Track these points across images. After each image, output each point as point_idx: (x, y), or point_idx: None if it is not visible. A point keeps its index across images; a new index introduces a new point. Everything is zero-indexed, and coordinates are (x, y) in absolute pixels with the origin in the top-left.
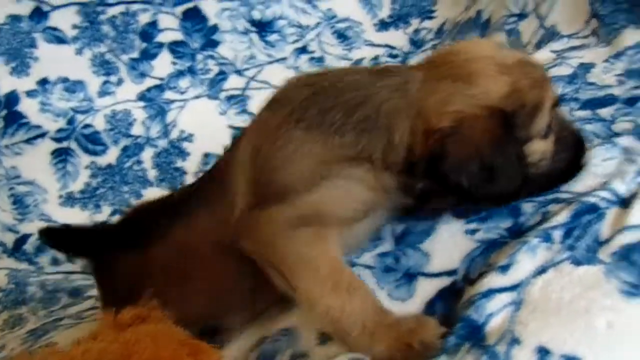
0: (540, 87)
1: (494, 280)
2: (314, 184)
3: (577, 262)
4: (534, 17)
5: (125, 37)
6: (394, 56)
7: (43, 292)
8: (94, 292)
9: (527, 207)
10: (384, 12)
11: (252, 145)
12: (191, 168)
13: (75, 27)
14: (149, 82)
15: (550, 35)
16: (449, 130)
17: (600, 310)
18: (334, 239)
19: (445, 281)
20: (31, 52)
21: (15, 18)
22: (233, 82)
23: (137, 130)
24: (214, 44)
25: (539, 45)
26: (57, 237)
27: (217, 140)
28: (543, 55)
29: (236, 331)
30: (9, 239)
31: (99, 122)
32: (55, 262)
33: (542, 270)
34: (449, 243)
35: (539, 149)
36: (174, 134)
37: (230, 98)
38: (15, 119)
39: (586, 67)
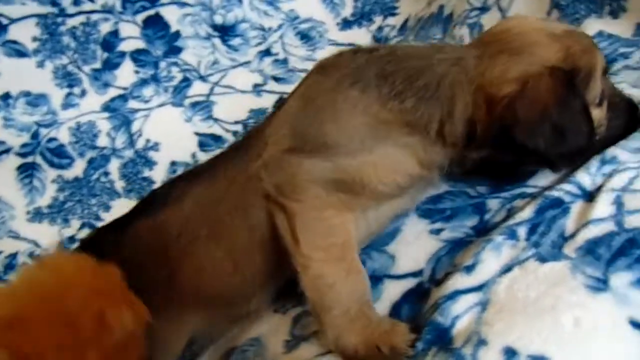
0: (591, 54)
1: (459, 281)
2: (364, 148)
3: (543, 259)
4: (496, 10)
5: (86, 48)
6: None
7: None
8: None
9: (493, 203)
10: (347, 11)
11: (302, 99)
12: (159, 177)
13: (35, 39)
14: (112, 92)
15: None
16: (515, 94)
17: (567, 307)
18: (355, 218)
19: (411, 282)
20: None
21: None
22: (197, 89)
23: (102, 141)
24: (177, 50)
25: None
26: None
27: (183, 148)
28: None
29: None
30: None
31: (63, 135)
32: None
33: (507, 269)
34: (414, 244)
35: (595, 116)
36: (140, 144)
37: (194, 104)
38: None
39: None
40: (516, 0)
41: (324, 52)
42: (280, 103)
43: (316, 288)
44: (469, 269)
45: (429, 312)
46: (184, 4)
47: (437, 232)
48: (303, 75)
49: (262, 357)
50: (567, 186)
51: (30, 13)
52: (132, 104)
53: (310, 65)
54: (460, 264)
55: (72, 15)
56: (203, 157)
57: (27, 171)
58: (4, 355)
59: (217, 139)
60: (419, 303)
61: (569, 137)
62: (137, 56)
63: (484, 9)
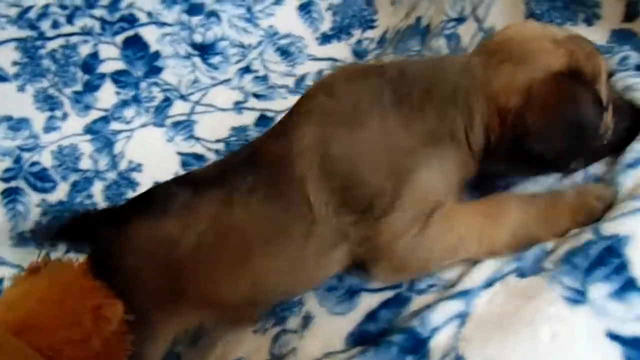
0: (595, 59)
1: (441, 293)
2: (407, 180)
3: (522, 274)
4: (472, 21)
5: (66, 71)
6: None
7: None
8: None
9: None
10: (326, 25)
11: (319, 136)
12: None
13: (15, 63)
14: (94, 114)
15: (489, 37)
16: (523, 104)
17: (545, 320)
18: (452, 203)
19: (388, 294)
20: None
21: None
22: (178, 108)
23: (85, 164)
24: (157, 70)
25: None
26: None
27: (166, 168)
28: None
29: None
30: None
31: (46, 159)
32: None
33: (489, 284)
34: None
35: (603, 120)
36: (123, 165)
37: (176, 124)
38: None
39: None
40: (492, 10)
41: (304, 68)
42: (284, 121)
43: (512, 248)
44: (452, 281)
45: (407, 318)
46: (163, 24)
47: None
48: (283, 91)
49: None
50: None
51: (9, 37)
52: (114, 125)
53: (290, 81)
54: (442, 276)
55: (51, 39)
56: None
57: (10, 196)
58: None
59: (199, 158)
60: (398, 308)
61: (586, 131)
62: (118, 77)
63: (460, 20)
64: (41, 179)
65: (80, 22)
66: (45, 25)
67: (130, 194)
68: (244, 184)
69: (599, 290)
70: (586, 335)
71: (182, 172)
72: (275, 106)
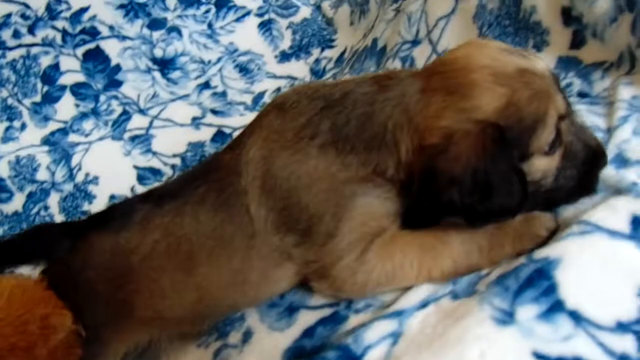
0: (542, 99)
1: (377, 312)
2: (346, 206)
3: (456, 296)
4: (426, 43)
5: (27, 81)
6: None
7: None
8: None
9: None
10: (285, 44)
11: (264, 152)
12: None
13: None
14: (52, 126)
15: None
16: (437, 147)
17: (474, 340)
18: (394, 230)
19: (326, 311)
20: None
21: None
22: (137, 122)
23: (42, 175)
24: (117, 84)
25: None
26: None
27: (122, 182)
28: None
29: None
30: None
31: (3, 169)
32: None
33: (423, 305)
34: None
35: (541, 165)
36: (80, 178)
37: (134, 138)
38: None
39: None
40: (446, 33)
41: (262, 85)
42: (241, 134)
43: (452, 276)
44: (389, 301)
45: (342, 335)
46: (125, 38)
47: None
48: (241, 108)
49: None
50: None
51: None
52: (72, 137)
53: (248, 98)
54: (380, 298)
55: (12, 49)
56: (142, 190)
57: None
58: None
59: (155, 172)
60: (335, 326)
61: (494, 196)
62: (77, 89)
63: (415, 42)
64: None
65: (42, 33)
66: (6, 34)
67: (87, 207)
68: (196, 193)
69: (527, 311)
70: (513, 355)
71: (138, 186)
72: (232, 122)
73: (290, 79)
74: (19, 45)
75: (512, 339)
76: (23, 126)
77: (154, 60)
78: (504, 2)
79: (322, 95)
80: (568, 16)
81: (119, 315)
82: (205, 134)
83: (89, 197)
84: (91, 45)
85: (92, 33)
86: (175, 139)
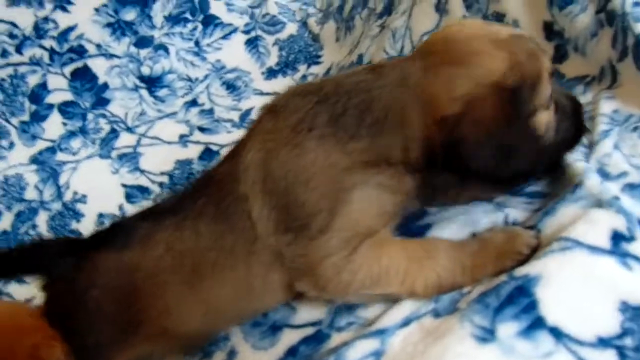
0: (537, 58)
1: (359, 331)
2: (343, 201)
3: (438, 314)
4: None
5: (14, 100)
6: None
7: None
8: None
9: None
10: (272, 60)
11: (262, 154)
12: (86, 229)
13: None
14: (40, 145)
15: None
16: (458, 116)
17: (454, 357)
18: (385, 234)
19: (309, 330)
20: None
21: None
22: (124, 140)
23: (30, 194)
24: (105, 102)
25: None
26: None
27: (110, 200)
28: None
29: None
30: None
31: None
32: None
33: (406, 323)
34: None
35: (544, 119)
36: (68, 196)
37: (122, 156)
38: None
39: None
40: None
41: (250, 102)
42: (237, 144)
43: (436, 291)
44: (372, 320)
45: (325, 354)
46: (112, 56)
47: None
48: (228, 125)
49: None
50: None
51: None
52: (60, 156)
53: (235, 116)
54: (362, 316)
55: None
56: (130, 208)
57: None
58: None
59: (143, 190)
60: (318, 344)
61: (515, 157)
62: (65, 108)
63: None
64: None
65: (29, 52)
66: None
67: (75, 225)
68: (195, 207)
69: (508, 328)
70: None
71: (126, 204)
72: (219, 140)
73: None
74: (7, 65)
75: (493, 356)
76: (11, 145)
77: (141, 78)
78: (487, 17)
79: (313, 91)
80: (550, 31)
81: (124, 333)
82: (192, 152)
83: (78, 215)
84: (79, 64)
85: (80, 52)
86: (162, 156)
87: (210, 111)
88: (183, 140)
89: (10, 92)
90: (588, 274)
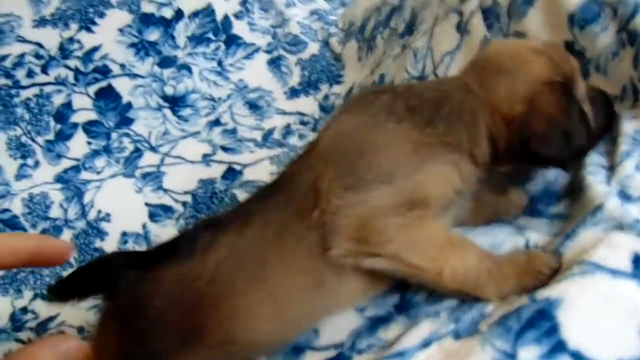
0: (569, 60)
1: (379, 353)
2: (416, 168)
3: (458, 335)
4: (432, 79)
5: (40, 119)
6: (305, 123)
7: None
8: None
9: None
10: (294, 80)
11: (337, 137)
12: (110, 247)
13: None
14: (65, 163)
15: (474, 56)
16: (524, 114)
17: None
18: (434, 212)
19: (331, 352)
20: None
21: None
22: (148, 159)
23: (55, 212)
24: (128, 121)
25: None
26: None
27: (134, 219)
28: None
29: None
30: None
31: (16, 206)
32: None
33: (425, 344)
34: (337, 319)
35: (587, 111)
36: (92, 215)
37: (145, 175)
38: None
39: None
40: (450, 70)
41: (272, 122)
42: (308, 146)
43: (458, 282)
44: (391, 341)
45: None
46: (136, 76)
47: (362, 310)
48: (251, 144)
49: None
50: None
51: None
52: (85, 175)
53: (258, 135)
54: (382, 338)
55: (25, 87)
56: (153, 227)
57: None
58: None
59: (167, 209)
60: None
61: (575, 139)
62: (90, 127)
63: (421, 78)
64: (11, 226)
65: (55, 72)
66: (20, 74)
67: (99, 244)
68: (260, 204)
69: (529, 352)
70: None
71: (149, 223)
72: (242, 159)
73: (300, 115)
74: (33, 84)
75: None
76: (36, 164)
77: (165, 97)
78: (508, 36)
79: (387, 89)
80: (571, 50)
81: (187, 341)
82: (215, 171)
83: (101, 234)
84: (103, 84)
85: (104, 71)
86: (186, 176)
87: (233, 131)
88: (206, 159)
89: (36, 111)
90: (609, 297)
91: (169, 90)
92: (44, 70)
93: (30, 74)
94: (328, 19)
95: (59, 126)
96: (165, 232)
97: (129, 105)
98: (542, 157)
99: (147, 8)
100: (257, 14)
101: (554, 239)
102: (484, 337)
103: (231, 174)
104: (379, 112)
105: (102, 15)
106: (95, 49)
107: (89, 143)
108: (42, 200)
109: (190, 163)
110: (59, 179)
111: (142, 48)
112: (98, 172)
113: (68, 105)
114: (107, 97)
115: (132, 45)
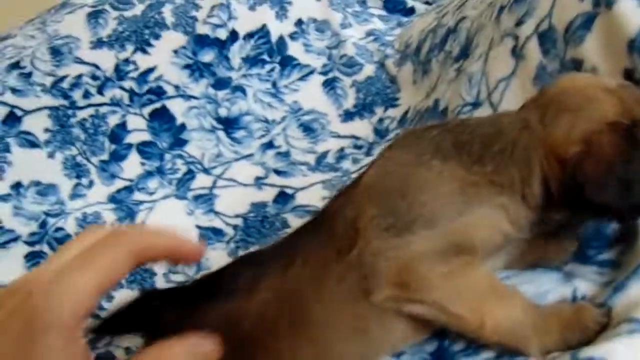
0: None
1: None
2: (461, 211)
3: None
4: (487, 106)
5: (95, 140)
6: (359, 147)
7: None
8: None
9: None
10: (349, 102)
11: (380, 175)
12: (160, 269)
13: (47, 130)
14: (118, 184)
15: (540, 91)
16: (582, 154)
17: None
18: (479, 259)
19: None
20: (5, 156)
21: None
22: (200, 181)
23: None
24: (182, 143)
25: None
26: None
27: None
28: None
29: None
30: None
31: (70, 225)
32: None
33: None
34: None
35: None
36: None
37: (197, 197)
38: None
39: None
40: (506, 95)
41: (326, 145)
42: (347, 185)
43: (503, 334)
44: None
45: None
46: (190, 97)
47: (398, 356)
48: (304, 168)
49: None
50: None
51: (43, 105)
52: (137, 195)
53: (311, 158)
54: None
55: (82, 108)
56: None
57: (34, 259)
58: None
59: (217, 232)
60: None
61: (635, 189)
62: (143, 148)
63: (476, 104)
64: None
65: (110, 93)
66: (77, 95)
67: (149, 264)
68: (301, 244)
69: None
70: None
71: None
72: (295, 183)
73: (354, 139)
74: (89, 105)
75: None
76: (90, 183)
77: (219, 119)
78: (564, 63)
79: (437, 125)
80: (630, 78)
81: None
82: (267, 195)
83: None
84: (157, 105)
85: (158, 92)
86: (237, 199)
87: (287, 154)
88: (258, 182)
89: (92, 131)
90: None
91: (222, 112)
92: (100, 91)
93: (86, 94)
94: (384, 40)
95: (113, 146)
96: (215, 255)
97: (182, 127)
98: (595, 204)
99: (202, 29)
100: (312, 34)
101: (603, 289)
102: None
103: (283, 197)
104: (426, 150)
105: (157, 36)
106: (150, 70)
107: (142, 164)
108: (94, 220)
109: (242, 186)
110: (112, 199)
111: (196, 69)
112: (151, 194)
113: (122, 125)
114: (161, 118)
115: (187, 66)
